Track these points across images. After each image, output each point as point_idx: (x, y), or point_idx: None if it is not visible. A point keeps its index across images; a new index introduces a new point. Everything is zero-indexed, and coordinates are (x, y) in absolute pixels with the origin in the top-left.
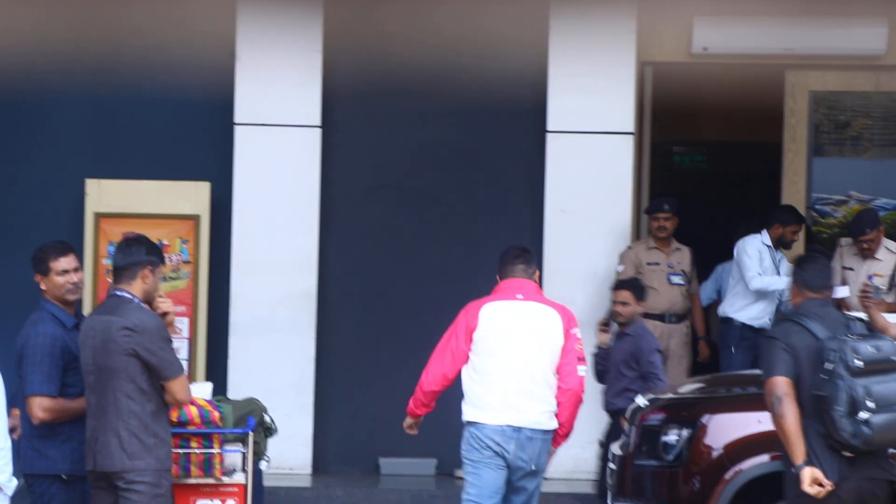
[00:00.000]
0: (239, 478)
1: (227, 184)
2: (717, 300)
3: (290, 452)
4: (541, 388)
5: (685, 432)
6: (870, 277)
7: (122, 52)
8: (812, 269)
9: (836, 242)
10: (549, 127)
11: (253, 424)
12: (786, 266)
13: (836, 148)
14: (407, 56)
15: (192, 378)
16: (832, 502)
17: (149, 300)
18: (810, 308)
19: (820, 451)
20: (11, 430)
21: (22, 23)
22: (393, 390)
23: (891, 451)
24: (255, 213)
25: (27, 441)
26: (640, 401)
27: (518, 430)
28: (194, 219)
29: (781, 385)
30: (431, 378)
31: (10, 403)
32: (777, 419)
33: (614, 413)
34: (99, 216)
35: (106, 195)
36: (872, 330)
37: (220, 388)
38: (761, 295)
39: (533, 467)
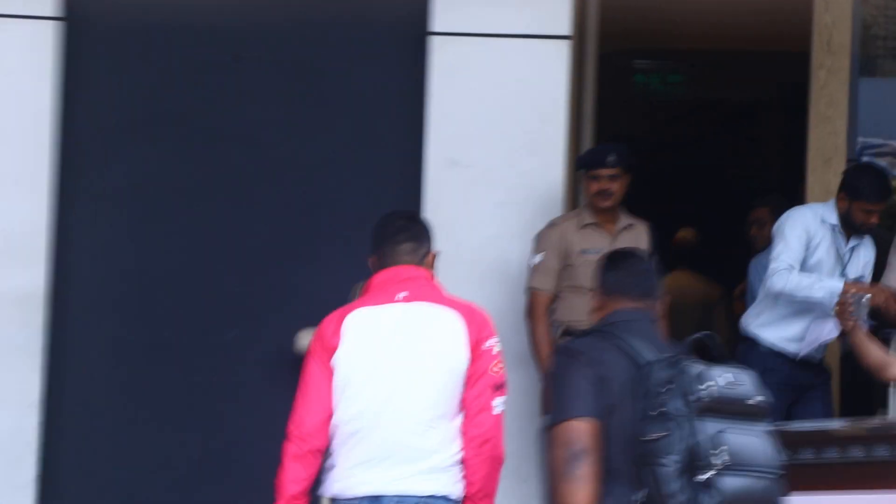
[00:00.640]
0: None
1: None
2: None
3: None
4: (427, 436)
5: None
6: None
7: None
8: (624, 266)
9: None
10: (434, 27)
11: None
12: (861, 262)
13: None
14: None
15: None
16: None
17: None
18: (625, 319)
19: None
20: None
21: None
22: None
23: None
24: None
25: None
26: None
27: (377, 499)
28: None
29: (581, 433)
30: (306, 430)
31: None
32: (565, 488)
33: None
34: None
35: None
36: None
37: None
38: (804, 306)
39: None
